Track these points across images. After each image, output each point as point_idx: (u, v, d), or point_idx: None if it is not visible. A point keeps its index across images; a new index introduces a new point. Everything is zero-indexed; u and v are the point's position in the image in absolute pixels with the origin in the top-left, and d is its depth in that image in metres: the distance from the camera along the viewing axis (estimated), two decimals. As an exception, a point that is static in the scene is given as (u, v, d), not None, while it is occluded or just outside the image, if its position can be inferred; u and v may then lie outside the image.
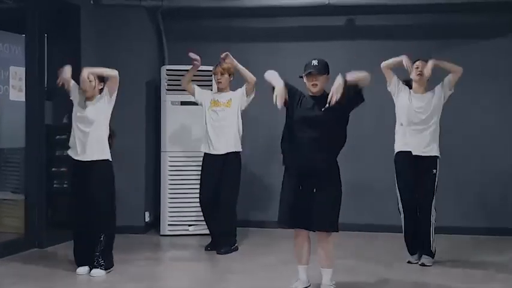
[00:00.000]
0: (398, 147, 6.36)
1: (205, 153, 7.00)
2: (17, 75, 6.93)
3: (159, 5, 8.18)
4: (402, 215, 6.27)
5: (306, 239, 5.22)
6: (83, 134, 5.74)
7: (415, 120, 6.26)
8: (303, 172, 5.07)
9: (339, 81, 5.01)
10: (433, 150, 6.26)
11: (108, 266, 5.93)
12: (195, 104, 7.27)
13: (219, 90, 7.08)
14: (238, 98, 6.97)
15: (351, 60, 8.28)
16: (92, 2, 7.87)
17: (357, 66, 8.08)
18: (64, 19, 7.54)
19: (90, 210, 5.78)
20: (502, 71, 8.06)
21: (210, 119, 6.98)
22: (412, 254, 6.37)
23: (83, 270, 5.90)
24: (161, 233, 7.87)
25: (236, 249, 6.97)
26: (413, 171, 6.21)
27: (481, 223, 7.91)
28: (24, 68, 6.94)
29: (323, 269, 5.19)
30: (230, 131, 6.93)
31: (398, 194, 6.28)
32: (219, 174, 6.88)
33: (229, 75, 7.05)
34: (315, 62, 5.19)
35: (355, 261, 6.48)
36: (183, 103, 7.79)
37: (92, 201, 5.76)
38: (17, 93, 6.94)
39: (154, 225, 8.15)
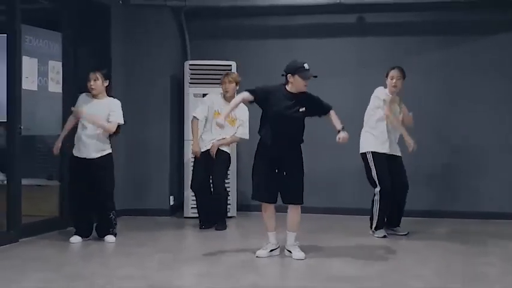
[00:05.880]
0: None
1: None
2: (55, 69, 7.34)
3: (182, 5, 8.59)
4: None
5: (273, 210, 6.12)
6: None
7: None
8: (275, 158, 5.93)
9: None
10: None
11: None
12: (216, 96, 7.75)
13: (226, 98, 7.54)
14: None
15: (361, 57, 8.68)
16: (120, 2, 8.32)
17: (366, 63, 8.49)
18: (96, 18, 7.98)
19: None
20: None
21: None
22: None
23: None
24: (185, 215, 8.36)
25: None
26: None
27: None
28: (61, 63, 7.44)
29: (289, 232, 6.05)
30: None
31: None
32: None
33: (236, 84, 7.54)
34: (307, 66, 5.89)
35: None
36: (204, 95, 8.14)
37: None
38: (55, 85, 7.36)
39: (179, 208, 8.59)
